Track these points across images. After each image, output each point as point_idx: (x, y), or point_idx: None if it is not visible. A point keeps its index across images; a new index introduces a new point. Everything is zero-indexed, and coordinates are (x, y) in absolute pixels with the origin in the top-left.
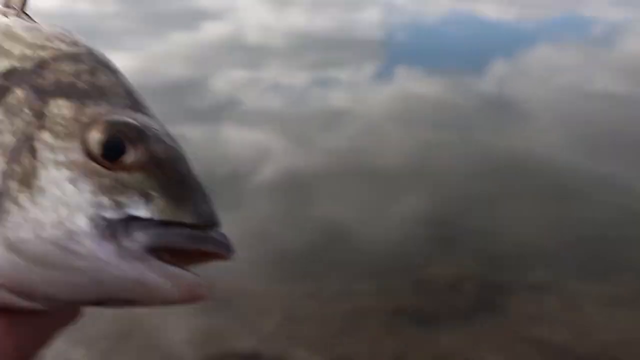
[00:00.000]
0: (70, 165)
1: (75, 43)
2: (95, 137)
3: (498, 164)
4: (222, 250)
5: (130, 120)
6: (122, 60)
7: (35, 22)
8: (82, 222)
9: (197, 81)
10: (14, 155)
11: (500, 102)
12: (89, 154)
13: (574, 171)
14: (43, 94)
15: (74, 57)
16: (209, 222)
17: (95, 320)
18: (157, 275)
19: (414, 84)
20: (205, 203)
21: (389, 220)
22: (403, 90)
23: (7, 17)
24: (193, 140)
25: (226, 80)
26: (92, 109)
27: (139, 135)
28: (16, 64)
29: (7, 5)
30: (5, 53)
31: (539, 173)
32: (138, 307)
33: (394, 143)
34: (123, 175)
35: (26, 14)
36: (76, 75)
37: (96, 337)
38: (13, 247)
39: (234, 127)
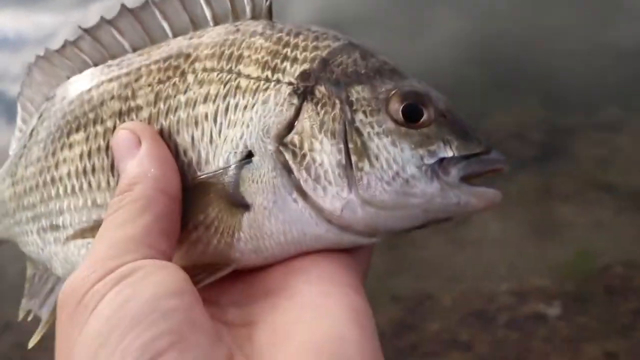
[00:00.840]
0: (387, 133)
1: (336, 37)
2: (396, 107)
3: None
4: (503, 165)
5: (416, 88)
6: None
7: (283, 25)
8: (412, 171)
9: None
10: (346, 137)
11: None
12: (396, 121)
13: None
14: (340, 85)
15: (343, 50)
16: (488, 146)
17: None
18: (469, 196)
19: None
20: (477, 132)
21: (438, 61)
22: None
23: (262, 28)
24: None
25: None
26: (383, 87)
27: (426, 97)
28: (305, 66)
29: (255, 17)
30: (291, 59)
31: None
32: (450, 221)
33: None
34: (424, 130)
35: (273, 21)
36: (354, 64)
37: None
38: (366, 202)
39: None
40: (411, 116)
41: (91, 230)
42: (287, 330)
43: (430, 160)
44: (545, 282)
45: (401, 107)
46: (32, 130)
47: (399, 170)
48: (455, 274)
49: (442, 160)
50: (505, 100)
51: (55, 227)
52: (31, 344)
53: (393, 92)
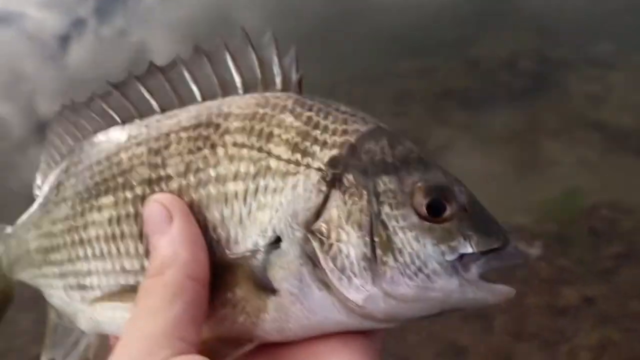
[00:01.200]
0: (410, 227)
1: (364, 121)
2: (420, 201)
3: None
4: (523, 259)
5: (440, 182)
6: None
7: (312, 99)
8: (433, 267)
9: None
10: (372, 229)
11: None
12: (419, 215)
13: None
14: (368, 174)
15: (372, 136)
16: (507, 239)
17: None
18: (486, 292)
19: None
20: (497, 225)
21: None
22: None
23: (292, 104)
24: None
25: None
26: (409, 179)
27: (450, 192)
28: (334, 152)
29: (284, 89)
30: (321, 143)
31: None
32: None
33: None
34: (446, 225)
35: (302, 96)
36: (382, 152)
37: None
38: (389, 294)
39: None
40: (435, 211)
41: (119, 295)
42: None
43: (451, 257)
44: (527, 221)
45: (425, 201)
46: (59, 185)
47: (422, 266)
48: None
49: (462, 256)
50: (498, 28)
51: (82, 287)
52: None
53: (418, 185)
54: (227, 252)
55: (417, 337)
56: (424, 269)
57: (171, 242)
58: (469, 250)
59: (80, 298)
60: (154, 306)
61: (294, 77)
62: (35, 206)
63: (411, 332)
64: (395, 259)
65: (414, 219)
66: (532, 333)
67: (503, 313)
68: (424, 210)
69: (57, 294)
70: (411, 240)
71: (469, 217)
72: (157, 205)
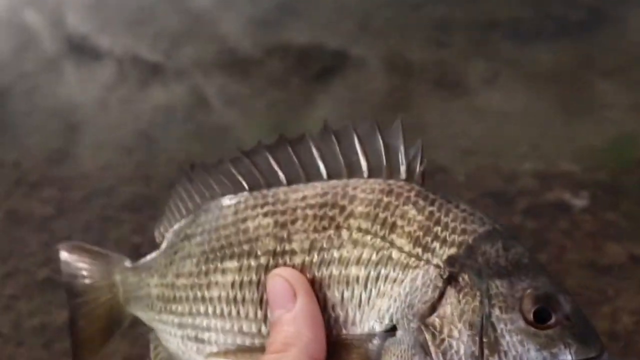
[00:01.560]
0: (517, 331)
1: (482, 221)
2: (529, 307)
3: None
4: None
5: (548, 291)
6: None
7: (434, 192)
8: None
9: None
10: (482, 330)
11: None
12: (526, 320)
13: None
14: (481, 276)
15: (488, 237)
16: (602, 351)
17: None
18: None
19: None
20: (596, 335)
21: None
22: None
23: (415, 195)
24: None
25: None
26: (519, 285)
27: (557, 302)
28: (453, 251)
29: (408, 179)
30: (441, 240)
31: None
32: None
33: None
34: (550, 332)
35: (425, 189)
36: (496, 254)
37: None
38: None
39: None
40: (540, 318)
41: (234, 353)
42: None
43: None
44: (573, 168)
45: (533, 309)
46: (185, 239)
47: None
48: (472, 146)
49: None
50: None
51: (199, 340)
52: None
53: (528, 292)
54: (344, 332)
55: None
56: None
57: (294, 321)
58: (568, 357)
59: (196, 349)
60: None
61: (418, 167)
62: (159, 253)
63: None
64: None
65: (521, 323)
66: (570, 291)
67: None
68: (531, 317)
69: (173, 341)
70: (517, 343)
71: (571, 326)
72: (281, 280)
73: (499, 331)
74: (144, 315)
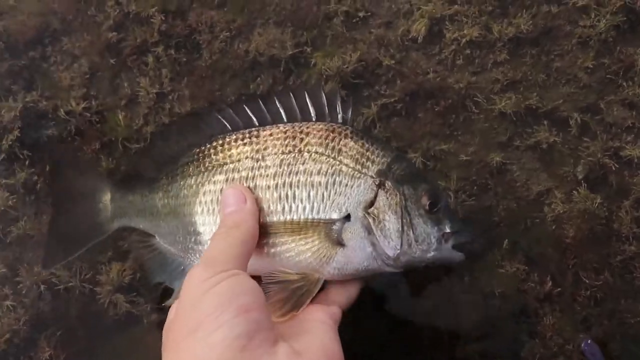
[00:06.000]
0: (420, 215)
1: (392, 149)
2: (425, 201)
3: None
4: (470, 239)
5: (435, 190)
6: None
7: (362, 130)
8: (432, 239)
9: None
10: (402, 215)
11: None
12: (424, 208)
13: None
14: (398, 182)
15: (397, 158)
16: (468, 226)
17: None
18: (453, 255)
19: None
20: (459, 216)
21: None
22: None
23: (351, 132)
24: None
25: None
26: (420, 187)
27: (439, 196)
28: (379, 167)
29: (343, 122)
30: (371, 161)
31: None
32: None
33: None
34: (437, 215)
35: (354, 128)
36: (405, 169)
37: None
38: (406, 253)
39: None
40: (432, 207)
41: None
42: None
43: (439, 233)
44: None
45: (428, 201)
46: (184, 163)
47: (426, 238)
48: None
49: (444, 233)
50: None
51: (196, 233)
52: (168, 303)
53: (424, 191)
54: (310, 217)
55: None
56: (427, 240)
57: (245, 212)
58: (448, 230)
59: (194, 240)
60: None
61: (349, 115)
62: (161, 179)
63: None
64: (414, 233)
65: (422, 211)
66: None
67: None
68: (427, 206)
69: (175, 238)
70: (421, 223)
71: (447, 211)
72: (237, 189)
73: (411, 215)
74: (147, 224)
